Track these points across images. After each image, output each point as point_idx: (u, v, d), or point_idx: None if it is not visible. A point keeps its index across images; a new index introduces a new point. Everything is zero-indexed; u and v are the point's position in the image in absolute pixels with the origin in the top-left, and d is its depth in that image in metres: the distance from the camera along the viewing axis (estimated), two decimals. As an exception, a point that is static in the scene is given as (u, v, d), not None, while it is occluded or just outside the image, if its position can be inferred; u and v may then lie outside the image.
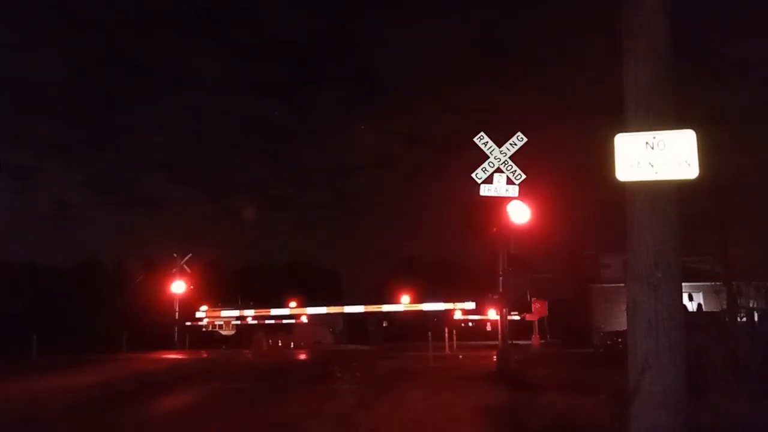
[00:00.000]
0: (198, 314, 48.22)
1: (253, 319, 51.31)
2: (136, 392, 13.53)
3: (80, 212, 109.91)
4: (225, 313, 56.96)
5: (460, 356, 26.26)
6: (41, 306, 33.03)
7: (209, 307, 53.08)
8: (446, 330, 29.98)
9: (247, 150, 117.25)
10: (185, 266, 42.08)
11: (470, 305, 22.36)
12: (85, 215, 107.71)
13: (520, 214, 15.86)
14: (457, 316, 43.68)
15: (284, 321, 46.83)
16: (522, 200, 15.88)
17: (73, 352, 26.45)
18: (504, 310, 16.75)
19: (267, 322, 50.80)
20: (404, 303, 22.51)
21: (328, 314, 58.26)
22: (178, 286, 40.12)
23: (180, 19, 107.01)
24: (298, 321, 47.32)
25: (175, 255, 42.52)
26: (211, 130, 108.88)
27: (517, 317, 20.32)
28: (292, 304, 28.63)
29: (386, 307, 22.73)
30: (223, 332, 53.71)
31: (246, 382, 15.89)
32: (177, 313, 40.58)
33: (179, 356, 31.01)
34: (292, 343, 44.72)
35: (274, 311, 22.77)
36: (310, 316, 47.65)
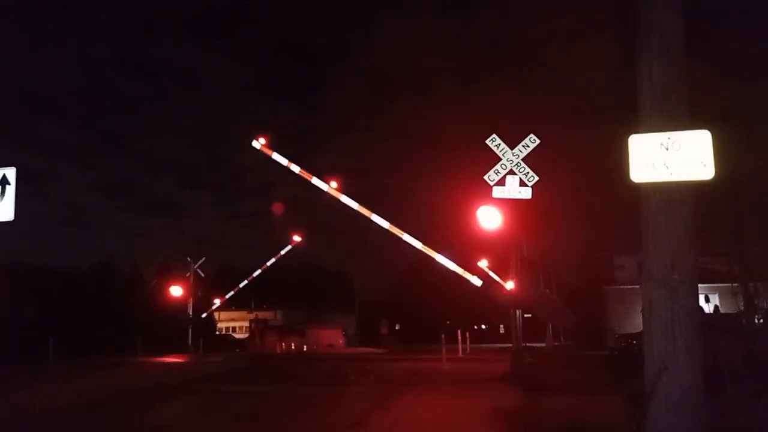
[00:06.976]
0: (212, 315, 48.36)
1: (265, 322, 51.55)
2: (151, 395, 13.61)
3: (93, 216, 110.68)
4: (238, 315, 57.25)
5: (474, 358, 26.16)
6: (56, 310, 33.18)
7: (222, 309, 53.28)
8: (459, 333, 29.93)
9: (255, 151, 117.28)
10: (199, 270, 42.10)
11: (477, 281, 22.23)
12: (98, 219, 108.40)
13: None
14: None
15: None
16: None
17: (87, 356, 26.61)
18: (517, 312, 16.65)
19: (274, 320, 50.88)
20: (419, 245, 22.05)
21: (340, 319, 58.50)
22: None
23: (189, 21, 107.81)
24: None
25: (188, 259, 42.58)
26: (221, 133, 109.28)
27: (529, 315, 20.25)
28: (333, 183, 27.48)
29: (407, 237, 22.42)
30: (237, 335, 53.91)
31: (262, 385, 15.92)
32: (191, 316, 40.66)
33: (196, 360, 31.13)
34: (305, 347, 44.81)
35: (315, 180, 22.66)
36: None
